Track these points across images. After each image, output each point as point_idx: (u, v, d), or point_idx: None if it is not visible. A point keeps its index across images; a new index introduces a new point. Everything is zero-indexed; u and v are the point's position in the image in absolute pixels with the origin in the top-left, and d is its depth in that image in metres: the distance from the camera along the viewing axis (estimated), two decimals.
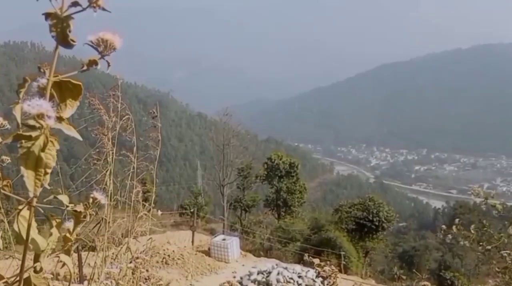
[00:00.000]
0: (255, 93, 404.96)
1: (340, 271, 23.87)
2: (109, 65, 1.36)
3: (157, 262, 18.32)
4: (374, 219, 29.75)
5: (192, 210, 27.96)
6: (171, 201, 70.56)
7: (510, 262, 4.95)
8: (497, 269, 5.17)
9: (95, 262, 3.88)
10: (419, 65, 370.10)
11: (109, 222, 3.55)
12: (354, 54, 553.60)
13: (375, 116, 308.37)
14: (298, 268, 19.34)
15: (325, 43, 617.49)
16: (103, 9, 1.24)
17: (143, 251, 4.33)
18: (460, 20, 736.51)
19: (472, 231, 5.22)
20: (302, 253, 24.48)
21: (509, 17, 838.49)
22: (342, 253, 24.74)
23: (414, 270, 37.33)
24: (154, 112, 3.87)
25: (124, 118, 3.55)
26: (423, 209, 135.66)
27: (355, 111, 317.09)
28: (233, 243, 21.68)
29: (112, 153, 3.50)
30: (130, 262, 4.00)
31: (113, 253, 4.06)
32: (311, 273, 17.86)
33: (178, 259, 19.49)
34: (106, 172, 3.36)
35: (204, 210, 36.44)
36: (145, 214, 4.17)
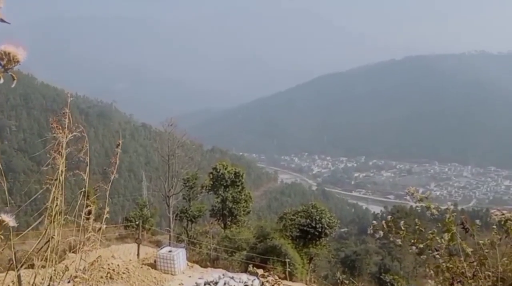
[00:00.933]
0: (199, 103, 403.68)
1: (285, 278, 24.01)
2: (14, 79, 1.28)
3: (101, 277, 17.67)
4: (317, 226, 30.15)
5: (137, 222, 27.26)
6: (115, 213, 68.47)
7: (442, 262, 5.09)
8: (431, 270, 5.30)
9: (34, 282, 3.65)
10: (356, 76, 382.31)
11: (53, 239, 3.35)
12: (294, 65, 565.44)
13: (315, 125, 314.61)
14: (244, 277, 19.28)
15: (266, 54, 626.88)
16: (2, 20, 1.16)
17: (84, 268, 4.11)
18: (394, 33, 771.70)
19: (402, 228, 5.35)
20: (249, 262, 24.43)
21: (439, 30, 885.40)
22: (287, 260, 24.88)
23: (355, 274, 38.21)
24: (119, 143, 3.72)
25: (73, 134, 3.37)
26: (362, 214, 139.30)
27: (296, 120, 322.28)
28: (180, 254, 21.29)
29: (61, 168, 3.32)
30: (69, 282, 3.79)
31: (52, 271, 3.84)
32: (257, 282, 17.84)
33: (123, 273, 18.85)
34: (56, 188, 3.17)
35: (149, 222, 35.68)
36: (89, 228, 3.97)
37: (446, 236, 5.10)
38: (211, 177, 35.32)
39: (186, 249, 23.92)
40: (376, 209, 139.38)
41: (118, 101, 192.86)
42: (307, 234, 30.23)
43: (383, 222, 5.51)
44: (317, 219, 30.27)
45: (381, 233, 5.39)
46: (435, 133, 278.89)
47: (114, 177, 3.82)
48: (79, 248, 3.66)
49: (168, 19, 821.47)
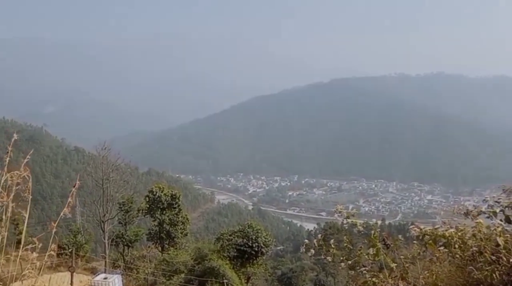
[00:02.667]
0: (134, 126, 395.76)
1: None
2: None
3: None
4: (254, 245, 30.21)
5: (70, 250, 26.05)
6: (47, 241, 64.88)
7: (368, 278, 5.27)
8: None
9: None
10: (286, 98, 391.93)
11: None
12: (228, 87, 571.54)
13: (250, 145, 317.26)
14: None
15: (200, 77, 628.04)
16: None
17: None
18: (320, 56, 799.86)
19: (332, 246, 5.51)
20: (187, 285, 24.00)
21: (359, 55, 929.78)
22: (225, 281, 24.68)
23: None
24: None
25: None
26: (297, 231, 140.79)
27: (231, 141, 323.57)
28: (115, 281, 20.57)
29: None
30: None
31: None
32: None
33: None
34: None
35: (84, 249, 34.18)
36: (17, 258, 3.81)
37: (371, 251, 5.27)
38: (148, 200, 34.59)
39: (122, 275, 23.16)
40: (310, 226, 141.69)
41: (49, 125, 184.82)
42: (244, 254, 30.20)
43: (315, 240, 5.65)
44: (254, 238, 30.35)
45: (313, 251, 5.52)
46: (361, 151, 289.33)
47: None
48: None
49: (98, 43, 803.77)
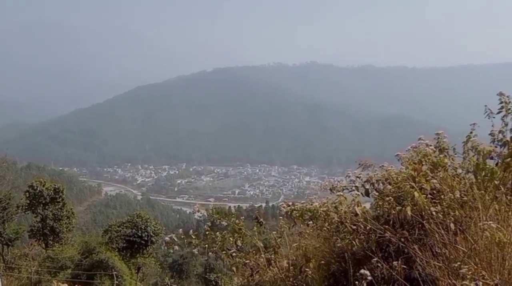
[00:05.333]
0: (9, 117, 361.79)
1: None
2: None
3: None
4: (143, 235, 29.66)
5: None
6: None
7: (238, 259, 5.62)
8: (233, 268, 5.82)
9: None
10: (172, 87, 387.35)
11: None
12: (111, 76, 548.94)
13: (136, 135, 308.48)
14: None
15: (80, 65, 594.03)
16: None
17: None
18: (202, 45, 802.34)
19: (193, 236, 5.80)
20: (74, 281, 22.90)
21: (242, 44, 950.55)
22: (115, 273, 23.97)
23: (183, 277, 38.56)
24: None
25: None
26: (187, 219, 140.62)
27: (117, 131, 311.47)
28: None
29: None
30: None
31: None
32: None
33: None
34: None
35: None
36: None
37: (237, 237, 5.63)
38: (28, 195, 32.19)
39: (2, 276, 21.40)
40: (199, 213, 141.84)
41: None
42: (134, 244, 29.57)
43: (173, 235, 5.90)
44: (143, 228, 29.81)
45: (177, 247, 5.77)
46: (246, 138, 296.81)
47: None
48: None
49: None
